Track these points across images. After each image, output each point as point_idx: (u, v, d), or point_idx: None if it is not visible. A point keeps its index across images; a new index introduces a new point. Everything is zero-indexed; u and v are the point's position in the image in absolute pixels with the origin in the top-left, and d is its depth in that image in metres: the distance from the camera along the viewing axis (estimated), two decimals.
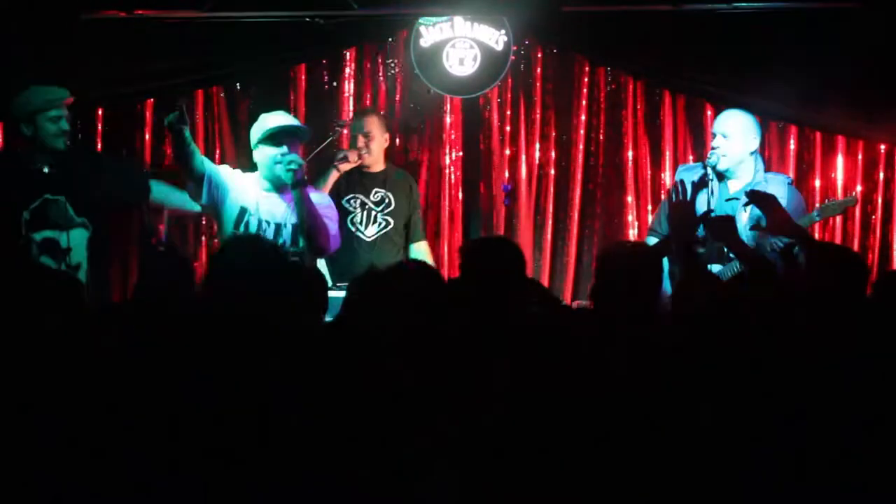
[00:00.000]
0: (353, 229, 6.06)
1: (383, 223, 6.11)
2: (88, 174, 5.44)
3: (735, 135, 5.68)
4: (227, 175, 5.35)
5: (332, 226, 5.40)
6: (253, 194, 5.36)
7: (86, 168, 5.47)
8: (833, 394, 3.02)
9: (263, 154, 5.36)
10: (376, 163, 6.17)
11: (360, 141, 6.08)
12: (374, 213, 6.11)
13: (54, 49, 6.11)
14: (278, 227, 5.36)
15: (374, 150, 6.12)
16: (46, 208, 5.33)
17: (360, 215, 6.09)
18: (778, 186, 5.58)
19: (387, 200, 6.12)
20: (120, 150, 6.68)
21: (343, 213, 5.95)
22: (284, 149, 5.29)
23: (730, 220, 4.79)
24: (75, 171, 5.39)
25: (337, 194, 6.02)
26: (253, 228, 5.30)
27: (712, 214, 4.98)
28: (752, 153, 5.73)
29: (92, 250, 5.41)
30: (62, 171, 5.35)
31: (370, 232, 6.10)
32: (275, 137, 5.32)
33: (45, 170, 5.33)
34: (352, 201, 6.10)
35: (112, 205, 5.68)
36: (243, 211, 5.32)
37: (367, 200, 6.10)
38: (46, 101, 5.33)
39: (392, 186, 6.17)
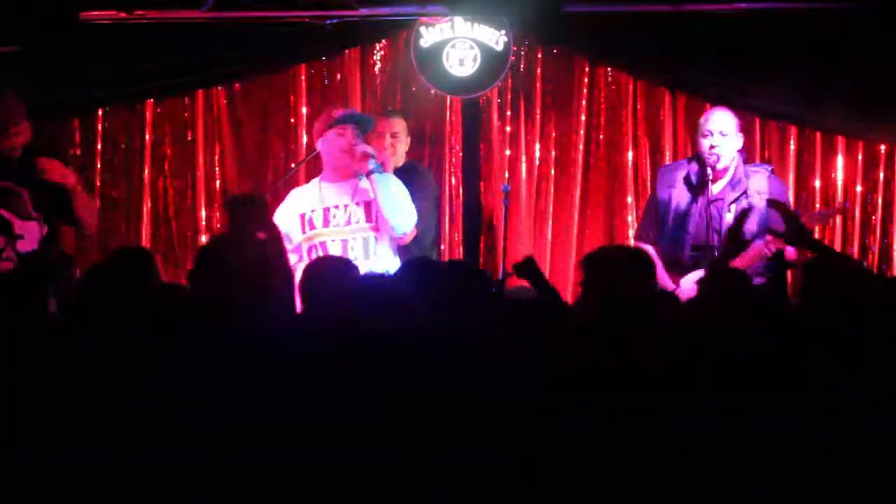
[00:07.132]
0: None
1: None
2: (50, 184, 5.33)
3: (731, 133, 5.66)
4: (286, 223, 5.41)
5: (409, 204, 5.46)
6: (309, 196, 5.49)
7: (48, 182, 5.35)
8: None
9: (328, 141, 5.44)
10: (396, 165, 6.03)
11: (387, 141, 5.97)
12: None
13: (54, 49, 6.11)
14: (347, 208, 5.44)
15: (400, 151, 6.05)
16: (8, 193, 5.27)
17: None
18: (760, 179, 5.61)
19: None
20: (120, 149, 6.69)
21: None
22: (349, 134, 5.39)
23: None
24: (35, 176, 5.28)
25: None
26: (319, 220, 5.41)
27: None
28: (738, 151, 5.72)
29: (44, 246, 5.32)
30: (26, 169, 5.26)
31: None
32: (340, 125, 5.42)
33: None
34: None
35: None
36: (301, 216, 5.44)
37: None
38: None
39: None
